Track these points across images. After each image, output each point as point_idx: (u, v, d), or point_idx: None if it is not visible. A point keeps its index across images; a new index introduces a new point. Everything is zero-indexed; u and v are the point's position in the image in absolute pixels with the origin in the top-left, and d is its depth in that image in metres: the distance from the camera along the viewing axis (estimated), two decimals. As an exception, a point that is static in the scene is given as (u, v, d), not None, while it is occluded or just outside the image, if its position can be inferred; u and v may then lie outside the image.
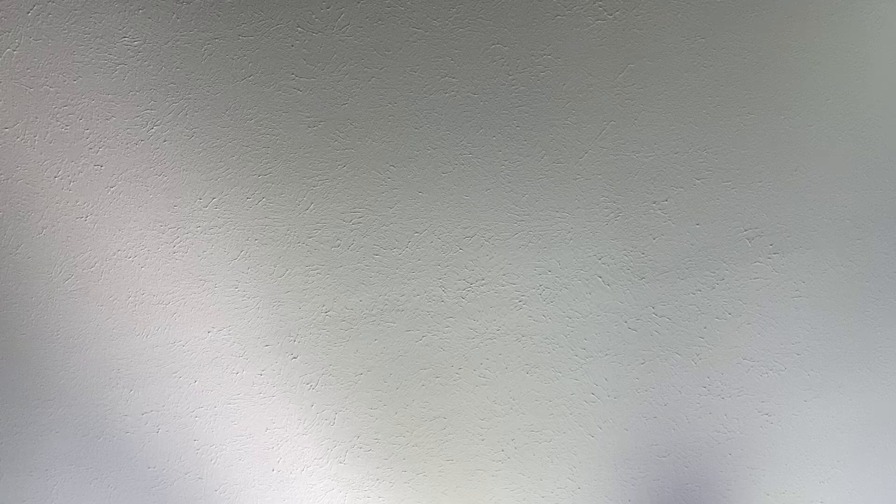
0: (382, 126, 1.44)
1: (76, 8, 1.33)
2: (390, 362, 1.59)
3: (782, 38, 1.43)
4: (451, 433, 1.65)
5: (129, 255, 1.50)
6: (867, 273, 1.61)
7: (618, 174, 1.50)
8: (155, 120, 1.41)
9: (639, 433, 1.68)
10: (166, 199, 1.47)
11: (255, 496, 1.68)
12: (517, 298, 1.57)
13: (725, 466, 1.71)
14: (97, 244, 1.49)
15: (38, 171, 1.44)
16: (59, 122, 1.41)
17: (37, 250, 1.50)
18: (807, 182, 1.54)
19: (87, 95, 1.39)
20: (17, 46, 1.35)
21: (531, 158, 1.48)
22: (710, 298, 1.59)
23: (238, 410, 1.62)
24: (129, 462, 1.65)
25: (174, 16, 1.35)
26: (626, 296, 1.58)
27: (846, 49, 1.46)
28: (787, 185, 1.53)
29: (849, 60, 1.46)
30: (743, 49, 1.44)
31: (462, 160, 1.48)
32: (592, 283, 1.57)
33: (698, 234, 1.55)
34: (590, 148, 1.48)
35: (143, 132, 1.42)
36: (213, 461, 1.65)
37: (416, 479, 1.69)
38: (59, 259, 1.50)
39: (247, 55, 1.38)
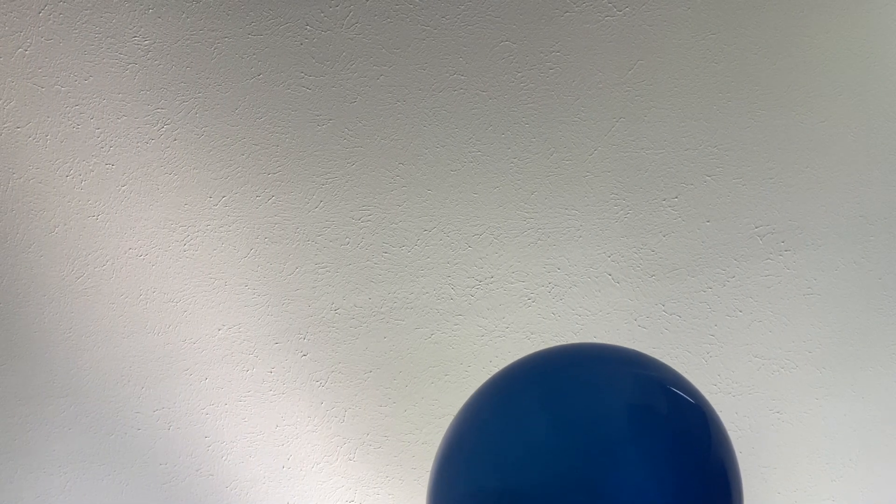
0: (391, 124, 1.44)
1: (87, 8, 1.34)
2: (399, 360, 1.60)
3: (794, 33, 1.42)
4: (461, 431, 1.65)
5: (140, 254, 1.51)
6: (880, 270, 1.59)
7: (627, 171, 1.49)
8: (165, 119, 1.42)
9: (649, 431, 1.67)
10: (177, 197, 1.48)
11: (265, 493, 1.69)
12: (526, 296, 1.56)
13: (736, 464, 1.70)
14: (108, 242, 1.50)
15: (50, 169, 1.45)
16: (70, 122, 1.42)
17: (49, 249, 1.51)
18: (818, 179, 1.52)
19: (98, 95, 1.40)
20: (29, 46, 1.36)
21: (540, 156, 1.48)
22: (721, 296, 1.58)
23: (248, 408, 1.63)
24: (140, 459, 1.67)
25: (184, 15, 1.35)
26: (635, 293, 1.57)
27: (859, 45, 1.44)
28: (798, 182, 1.52)
29: (862, 56, 1.45)
30: (754, 45, 1.43)
31: (471, 158, 1.47)
32: (602, 280, 1.56)
33: (709, 232, 1.54)
34: (599, 145, 1.47)
35: (153, 131, 1.43)
36: (223, 458, 1.66)
37: (426, 476, 1.69)
38: (71, 257, 1.51)
39: (256, 54, 1.38)
